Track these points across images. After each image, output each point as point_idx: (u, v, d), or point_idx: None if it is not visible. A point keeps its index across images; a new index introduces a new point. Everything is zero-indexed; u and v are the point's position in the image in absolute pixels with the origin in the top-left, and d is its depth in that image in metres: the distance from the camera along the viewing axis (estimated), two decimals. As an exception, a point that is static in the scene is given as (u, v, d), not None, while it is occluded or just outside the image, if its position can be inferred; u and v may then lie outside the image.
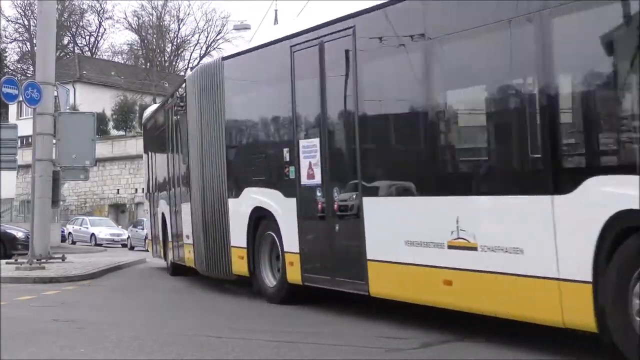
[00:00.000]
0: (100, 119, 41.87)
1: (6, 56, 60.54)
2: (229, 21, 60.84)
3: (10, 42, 63.50)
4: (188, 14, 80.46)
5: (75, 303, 10.29)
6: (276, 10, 34.88)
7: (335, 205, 7.81)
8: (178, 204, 12.84)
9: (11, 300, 10.02)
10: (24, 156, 30.82)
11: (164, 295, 11.50)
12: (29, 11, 59.48)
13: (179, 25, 64.35)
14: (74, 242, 37.26)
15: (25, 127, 24.52)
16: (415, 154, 7.16)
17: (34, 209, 15.73)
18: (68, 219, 44.44)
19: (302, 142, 8.41)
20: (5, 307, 9.11)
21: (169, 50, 65.26)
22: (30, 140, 17.92)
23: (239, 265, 9.82)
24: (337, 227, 7.84)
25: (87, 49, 67.30)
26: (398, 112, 7.52)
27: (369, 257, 7.35)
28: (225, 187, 10.03)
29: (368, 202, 7.37)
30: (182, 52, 66.07)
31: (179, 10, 74.63)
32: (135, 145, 45.77)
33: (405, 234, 6.88)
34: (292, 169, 8.56)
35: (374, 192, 7.40)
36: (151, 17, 62.11)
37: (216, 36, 63.98)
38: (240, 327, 7.68)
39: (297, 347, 6.34)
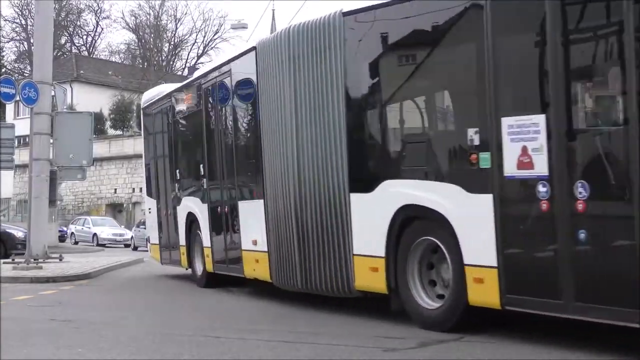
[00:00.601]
0: (98, 118, 41.88)
1: (3, 56, 60.52)
2: (227, 20, 61.16)
3: (8, 42, 63.57)
4: (185, 14, 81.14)
5: (73, 303, 10.26)
6: (273, 10, 34.98)
7: (580, 205, 5.64)
8: (228, 202, 10.54)
9: (8, 299, 9.99)
10: (21, 156, 30.82)
11: (162, 295, 11.48)
12: (27, 11, 59.52)
13: (176, 24, 64.61)
14: (76, 242, 37.21)
15: (22, 127, 24.54)
16: None
17: (31, 209, 15.74)
18: (65, 218, 44.46)
19: (508, 120, 6.14)
20: (2, 307, 9.09)
21: (166, 49, 65.39)
22: (27, 139, 17.91)
23: (370, 280, 7.64)
24: (582, 236, 5.65)
25: (84, 48, 67.38)
26: None
27: None
28: (346, 180, 7.85)
29: None
30: (179, 51, 66.26)
31: (176, 9, 75.33)
32: (133, 145, 45.81)
33: None
34: (484, 156, 6.31)
35: None
36: (148, 16, 62.36)
37: (213, 36, 64.28)
38: (239, 327, 7.67)
39: (295, 347, 6.33)
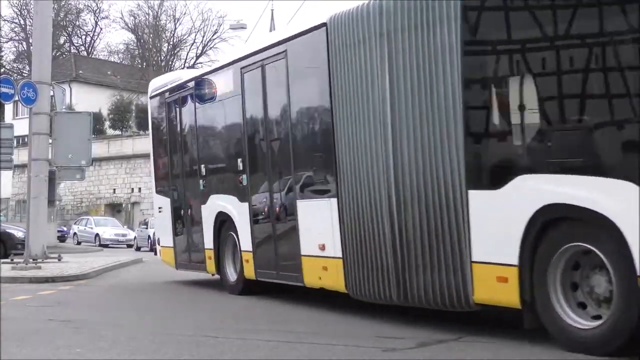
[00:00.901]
0: (97, 118, 41.89)
1: (2, 56, 60.49)
2: (225, 21, 61.08)
3: (7, 42, 63.56)
4: (184, 14, 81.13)
5: (72, 303, 10.26)
6: (272, 10, 34.91)
7: None
8: (281, 200, 9.33)
9: (7, 300, 9.98)
10: (20, 156, 30.84)
11: (161, 295, 11.48)
12: (26, 11, 59.51)
13: (175, 24, 64.57)
14: (79, 243, 37.21)
15: (21, 127, 24.53)
16: None
17: (30, 209, 15.75)
18: (64, 218, 44.47)
19: None
20: (2, 307, 9.08)
21: (165, 49, 65.38)
22: (26, 140, 17.91)
23: (496, 291, 6.34)
24: None
25: (83, 48, 67.38)
26: None
27: None
28: (463, 175, 6.54)
29: None
30: (178, 51, 66.20)
31: (175, 9, 75.38)
32: (132, 145, 45.87)
33: None
34: None
35: None
36: (147, 16, 62.42)
37: (212, 35, 64.22)
38: (239, 327, 7.67)
39: (295, 347, 6.33)
